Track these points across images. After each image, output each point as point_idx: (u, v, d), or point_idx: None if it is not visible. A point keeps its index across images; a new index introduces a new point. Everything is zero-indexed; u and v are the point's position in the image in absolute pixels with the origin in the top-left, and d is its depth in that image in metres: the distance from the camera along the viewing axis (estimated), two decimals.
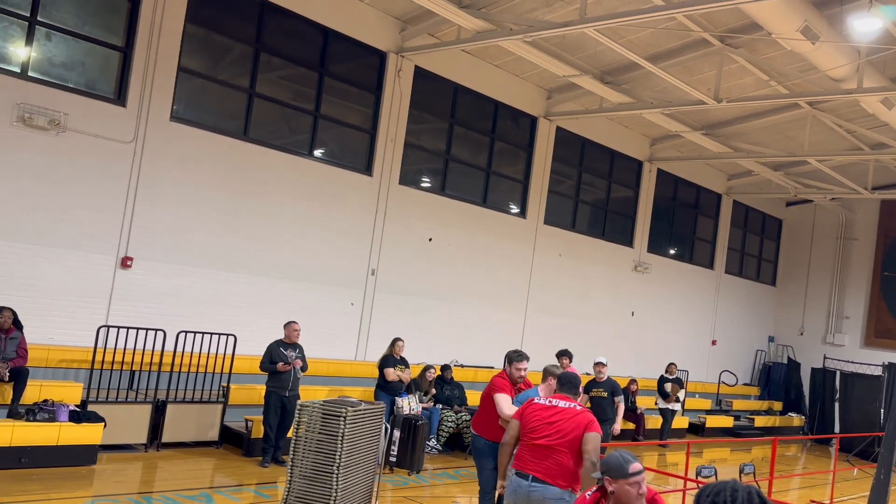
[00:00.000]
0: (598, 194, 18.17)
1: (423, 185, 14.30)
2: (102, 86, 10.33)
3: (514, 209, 15.91)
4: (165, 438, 9.87)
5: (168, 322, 10.31)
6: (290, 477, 6.40)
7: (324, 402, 6.57)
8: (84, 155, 9.94)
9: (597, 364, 11.72)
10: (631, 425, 15.53)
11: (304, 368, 10.11)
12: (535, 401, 5.81)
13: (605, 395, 11.11)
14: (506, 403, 6.93)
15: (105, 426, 8.89)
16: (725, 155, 17.97)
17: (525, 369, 7.53)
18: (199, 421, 10.18)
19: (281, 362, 9.89)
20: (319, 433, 6.40)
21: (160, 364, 9.92)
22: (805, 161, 18.09)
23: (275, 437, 9.87)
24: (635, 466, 3.61)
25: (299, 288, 12.24)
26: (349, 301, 12.92)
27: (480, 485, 7.25)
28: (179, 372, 10.11)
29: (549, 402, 5.74)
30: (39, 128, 9.50)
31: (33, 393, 8.84)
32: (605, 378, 11.39)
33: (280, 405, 9.90)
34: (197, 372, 10.27)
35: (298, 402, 6.53)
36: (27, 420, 8.40)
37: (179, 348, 10.13)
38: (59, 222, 9.79)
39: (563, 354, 11.45)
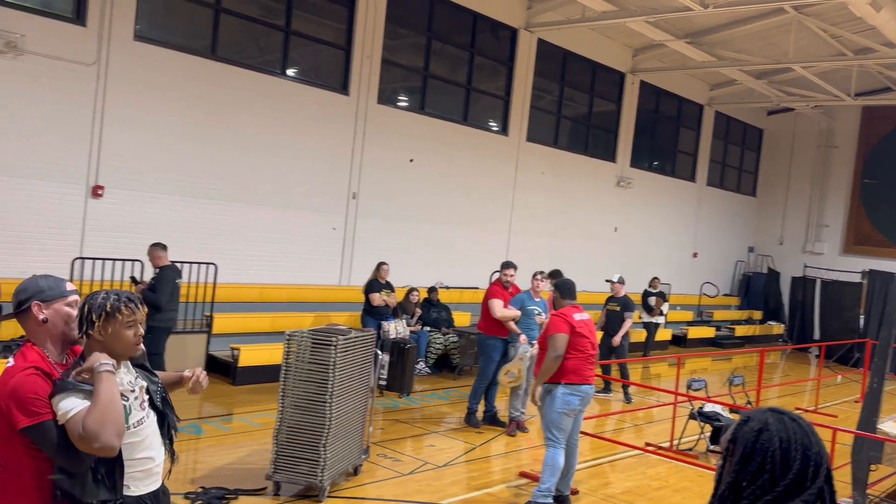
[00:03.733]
0: (580, 109, 17.79)
1: (402, 103, 13.83)
2: (59, 4, 9.71)
3: (496, 127, 15.53)
4: None
5: (145, 252, 9.99)
6: (282, 407, 6.26)
7: (313, 330, 6.38)
8: (45, 79, 9.41)
9: (608, 281, 12.70)
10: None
11: None
12: (576, 317, 6.38)
13: (618, 309, 12.00)
14: (498, 306, 8.73)
15: None
16: (709, 64, 17.57)
17: (512, 275, 9.16)
18: (184, 351, 10.00)
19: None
20: (310, 363, 6.23)
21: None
22: (789, 68, 17.75)
23: None
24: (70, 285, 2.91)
25: (279, 214, 11.91)
26: (331, 226, 12.63)
27: (482, 371, 9.00)
28: None
29: (584, 317, 6.45)
30: None
31: (8, 331, 8.55)
32: (622, 295, 12.31)
33: None
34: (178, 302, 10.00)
35: (287, 331, 6.32)
36: None
37: None
38: (23, 151, 9.32)
39: (554, 276, 11.31)
